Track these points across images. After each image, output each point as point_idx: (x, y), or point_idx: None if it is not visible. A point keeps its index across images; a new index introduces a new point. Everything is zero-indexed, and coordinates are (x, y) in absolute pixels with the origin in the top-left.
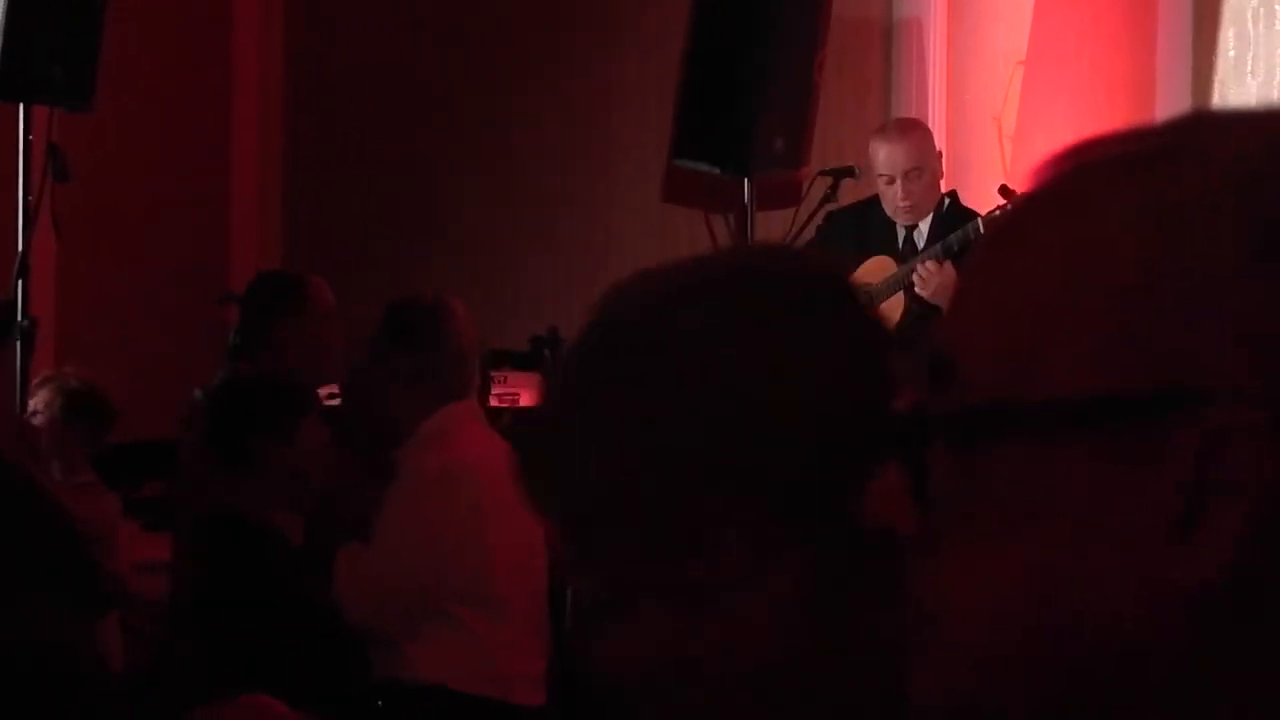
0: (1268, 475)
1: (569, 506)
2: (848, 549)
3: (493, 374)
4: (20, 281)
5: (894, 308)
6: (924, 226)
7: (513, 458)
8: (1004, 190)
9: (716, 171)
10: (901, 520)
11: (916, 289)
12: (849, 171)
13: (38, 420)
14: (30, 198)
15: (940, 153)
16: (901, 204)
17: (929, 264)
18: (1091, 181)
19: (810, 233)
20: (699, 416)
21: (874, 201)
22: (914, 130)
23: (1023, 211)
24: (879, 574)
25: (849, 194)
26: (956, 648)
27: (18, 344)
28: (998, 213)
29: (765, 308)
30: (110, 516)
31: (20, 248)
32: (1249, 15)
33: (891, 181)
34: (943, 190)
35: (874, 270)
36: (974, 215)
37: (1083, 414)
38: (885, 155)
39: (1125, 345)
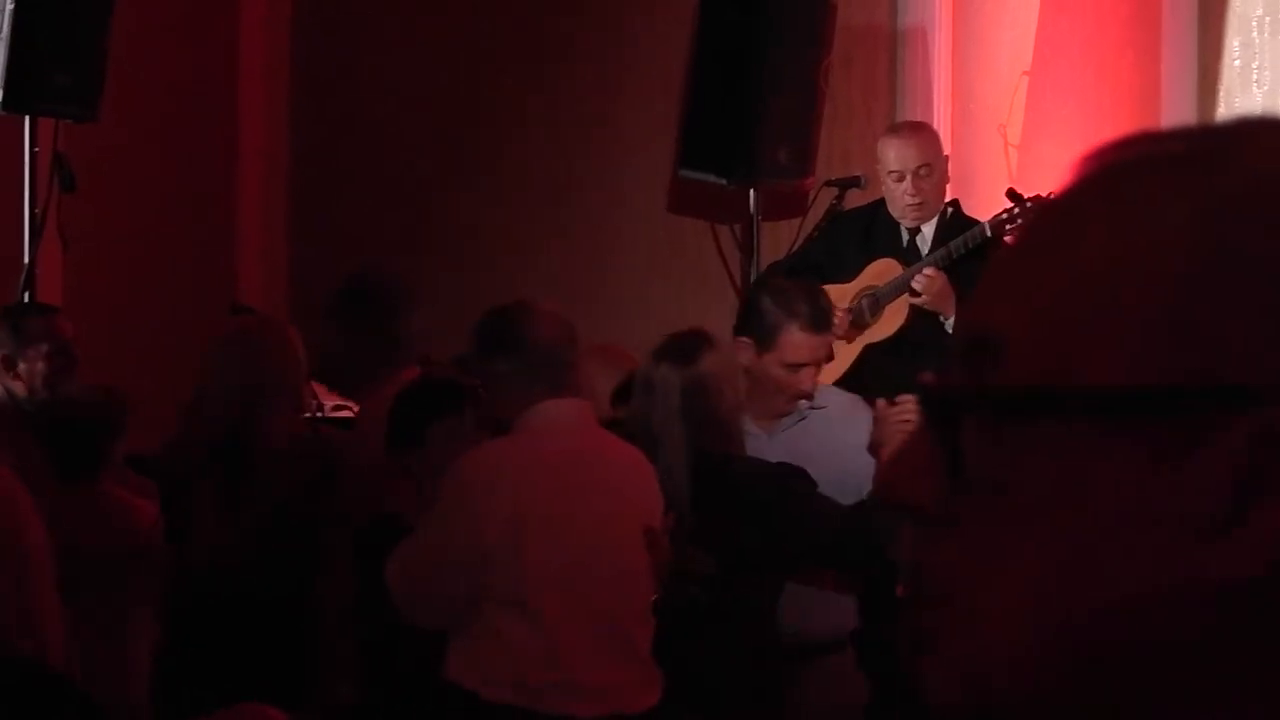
0: None
1: None
2: None
3: None
4: (27, 293)
5: (898, 310)
6: (927, 231)
7: None
8: (1011, 194)
9: (722, 182)
10: (926, 498)
11: (915, 293)
12: (855, 181)
13: None
14: (37, 209)
15: (946, 156)
16: (910, 201)
17: (929, 270)
18: (1139, 176)
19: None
20: None
21: (879, 205)
22: (924, 130)
23: (1068, 202)
24: None
25: (854, 204)
26: (974, 635)
27: None
28: (1004, 217)
29: None
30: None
31: (27, 259)
32: (1254, 24)
33: (901, 179)
34: (947, 198)
35: (879, 273)
36: (976, 223)
37: (1127, 404)
38: (896, 153)
39: (1172, 337)
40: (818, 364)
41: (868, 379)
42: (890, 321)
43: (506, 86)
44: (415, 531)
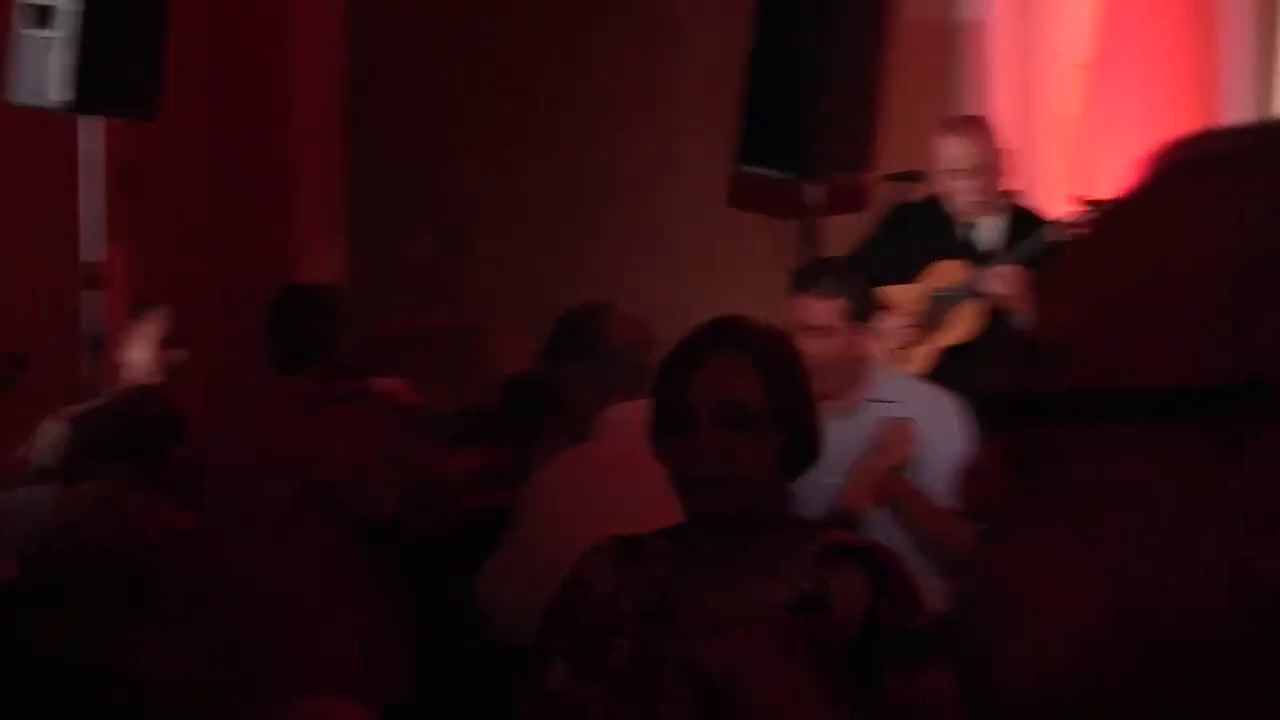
0: None
1: None
2: None
3: None
4: (90, 292)
5: (970, 314)
6: (986, 227)
7: None
8: (1076, 196)
9: (783, 177)
10: (991, 499)
11: (993, 289)
12: (916, 175)
13: None
14: (100, 209)
15: (1004, 151)
16: (968, 199)
17: (1008, 268)
18: (1195, 175)
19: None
20: None
21: (935, 200)
22: (981, 125)
23: (1128, 204)
24: None
25: (914, 200)
26: (1041, 633)
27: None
28: (1068, 220)
29: None
30: None
31: (92, 259)
32: None
33: (959, 175)
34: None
35: (944, 274)
36: (1035, 215)
37: (1183, 404)
38: (953, 149)
39: (1229, 336)
40: (814, 330)
41: (942, 383)
42: (963, 325)
43: (564, 83)
44: (500, 548)
